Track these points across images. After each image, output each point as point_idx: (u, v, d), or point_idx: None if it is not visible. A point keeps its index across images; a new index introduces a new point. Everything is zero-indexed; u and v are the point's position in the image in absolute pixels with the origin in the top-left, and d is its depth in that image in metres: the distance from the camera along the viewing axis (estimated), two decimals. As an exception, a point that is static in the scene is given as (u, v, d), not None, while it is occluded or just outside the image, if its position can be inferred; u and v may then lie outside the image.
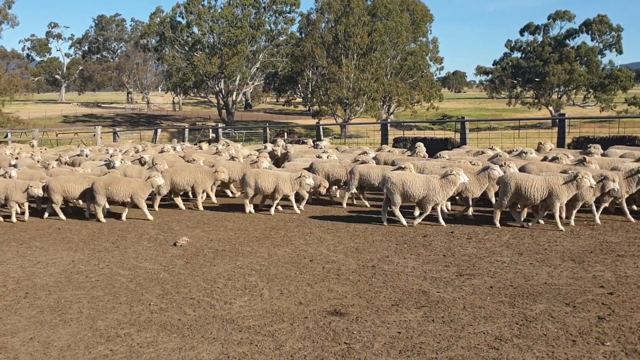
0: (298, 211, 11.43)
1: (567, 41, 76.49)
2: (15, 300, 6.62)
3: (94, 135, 28.05)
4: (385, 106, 65.26)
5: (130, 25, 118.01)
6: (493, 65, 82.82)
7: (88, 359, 5.06)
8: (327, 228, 9.96)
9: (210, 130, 36.99)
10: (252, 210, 11.63)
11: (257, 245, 8.85)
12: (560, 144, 17.59)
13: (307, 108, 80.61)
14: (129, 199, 11.02)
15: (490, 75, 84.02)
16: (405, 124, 34.56)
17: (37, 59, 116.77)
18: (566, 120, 19.02)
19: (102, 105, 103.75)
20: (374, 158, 13.63)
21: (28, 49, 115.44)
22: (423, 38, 68.62)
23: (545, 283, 6.63)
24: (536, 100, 74.63)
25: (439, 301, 6.13)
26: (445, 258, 7.83)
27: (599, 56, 74.10)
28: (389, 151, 15.08)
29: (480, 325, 5.47)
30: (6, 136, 29.02)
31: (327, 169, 12.33)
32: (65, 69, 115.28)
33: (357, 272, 7.31)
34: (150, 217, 11.11)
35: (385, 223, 10.02)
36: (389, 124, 23.40)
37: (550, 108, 72.41)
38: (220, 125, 31.62)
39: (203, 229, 10.18)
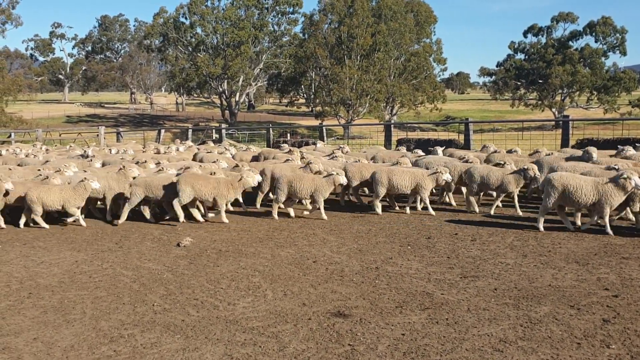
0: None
1: (571, 43, 76.39)
2: (18, 300, 6.62)
3: (97, 135, 28.09)
4: (388, 107, 65.21)
5: (134, 26, 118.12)
6: (496, 66, 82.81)
7: (91, 359, 5.05)
8: (331, 229, 9.95)
9: (214, 130, 37.00)
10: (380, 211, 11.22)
11: (260, 246, 8.84)
12: (564, 145, 17.55)
13: (310, 109, 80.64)
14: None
15: (493, 77, 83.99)
16: (408, 125, 34.53)
17: (41, 59, 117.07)
18: (570, 122, 18.98)
19: (105, 105, 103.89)
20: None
21: (31, 49, 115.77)
22: (427, 39, 68.59)
23: (549, 285, 6.61)
24: (539, 102, 74.52)
25: (443, 303, 6.11)
26: (449, 260, 7.81)
27: (603, 58, 73.94)
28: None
29: (485, 327, 5.45)
30: (9, 136, 29.09)
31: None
32: (68, 69, 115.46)
33: (360, 273, 7.29)
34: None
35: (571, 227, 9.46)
36: (392, 125, 23.38)
37: (554, 110, 72.31)
38: (223, 125, 31.62)
39: (206, 230, 10.17)
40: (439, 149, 14.48)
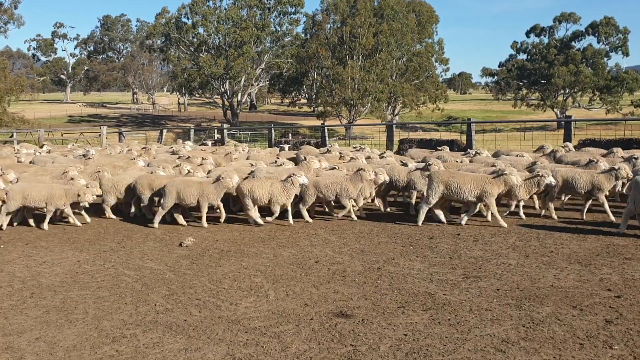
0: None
1: (573, 43, 76.31)
2: (21, 300, 6.63)
3: (100, 135, 28.11)
4: (390, 107, 65.20)
5: (136, 26, 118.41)
6: (499, 67, 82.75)
7: (94, 359, 5.06)
8: (332, 229, 9.95)
9: (216, 130, 37.03)
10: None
11: (262, 246, 8.85)
12: (566, 146, 17.49)
13: (312, 109, 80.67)
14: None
15: (495, 77, 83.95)
16: (410, 125, 34.53)
17: (43, 59, 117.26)
18: (572, 122, 18.96)
19: (108, 105, 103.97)
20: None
21: (34, 49, 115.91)
22: (429, 39, 68.53)
23: (551, 286, 6.60)
24: (541, 102, 74.46)
25: (446, 303, 6.10)
26: (451, 260, 7.80)
27: (605, 58, 73.84)
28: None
29: (487, 327, 5.44)
30: (11, 136, 29.09)
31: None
32: (70, 69, 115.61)
33: (362, 274, 7.29)
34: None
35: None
36: (394, 125, 23.37)
37: (556, 110, 72.23)
38: (225, 126, 31.64)
39: (208, 230, 10.17)
40: (485, 151, 13.93)
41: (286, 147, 19.57)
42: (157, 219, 10.53)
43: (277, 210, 10.28)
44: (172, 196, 10.29)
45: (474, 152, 14.02)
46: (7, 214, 10.40)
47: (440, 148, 15.35)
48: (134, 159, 14.03)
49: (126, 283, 7.15)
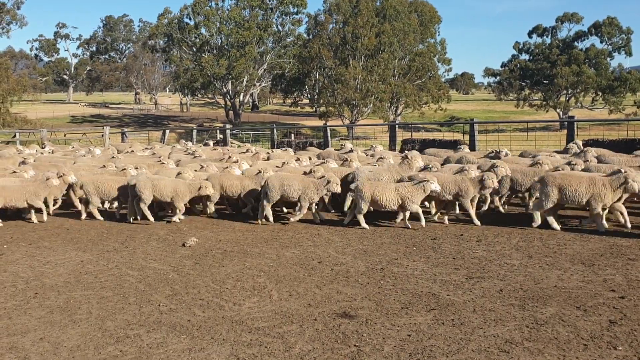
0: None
1: (576, 43, 76.25)
2: (24, 300, 6.64)
3: (102, 135, 28.15)
4: (392, 107, 65.22)
5: (138, 26, 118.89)
6: (501, 67, 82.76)
7: (98, 359, 5.06)
8: (335, 230, 9.94)
9: (218, 131, 37.06)
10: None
11: (265, 247, 8.85)
12: (569, 146, 17.47)
13: (314, 109, 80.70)
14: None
15: (498, 77, 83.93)
16: (412, 125, 34.50)
17: (45, 59, 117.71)
18: (575, 122, 18.93)
19: (110, 105, 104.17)
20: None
21: (36, 49, 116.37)
22: (431, 39, 68.58)
23: (555, 286, 6.59)
24: (544, 103, 74.40)
25: (449, 304, 6.10)
26: (454, 261, 7.80)
27: (608, 58, 73.79)
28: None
29: (491, 328, 5.44)
30: (14, 136, 29.15)
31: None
32: (73, 69, 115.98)
33: (366, 274, 7.29)
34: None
35: None
36: (397, 126, 23.35)
37: (558, 110, 72.21)
38: (227, 126, 31.67)
39: (211, 230, 10.18)
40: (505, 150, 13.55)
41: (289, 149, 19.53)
42: (262, 213, 10.63)
43: (411, 211, 9.78)
44: (276, 191, 10.36)
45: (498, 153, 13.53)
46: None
47: (460, 147, 15.29)
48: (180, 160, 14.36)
49: (130, 283, 7.16)
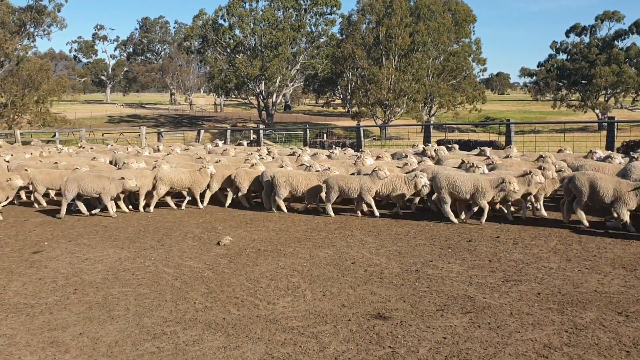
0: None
1: (616, 42, 74.34)
2: (64, 295, 6.79)
3: (139, 135, 28.64)
4: (426, 108, 64.69)
5: (174, 28, 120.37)
6: (538, 67, 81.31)
7: (135, 355, 5.15)
8: (369, 230, 9.91)
9: (251, 131, 37.34)
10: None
11: (298, 246, 8.87)
12: (609, 147, 17.07)
13: (347, 109, 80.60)
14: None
15: (534, 77, 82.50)
16: (446, 126, 34.15)
17: (84, 60, 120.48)
18: (615, 123, 18.47)
19: (146, 106, 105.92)
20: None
21: (75, 50, 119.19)
22: (466, 39, 67.78)
23: (595, 291, 6.43)
24: (582, 103, 72.75)
25: (485, 307, 6.01)
26: (491, 263, 7.68)
27: (650, 57, 71.74)
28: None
29: (528, 332, 5.34)
30: (54, 135, 29.88)
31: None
32: (110, 70, 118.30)
33: (400, 275, 7.24)
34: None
35: None
36: (431, 126, 23.14)
37: (597, 111, 70.47)
38: (261, 126, 31.89)
39: (245, 229, 10.26)
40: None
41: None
42: (329, 207, 11.36)
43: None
44: (335, 190, 11.17)
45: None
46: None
47: (509, 147, 15.08)
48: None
49: (166, 281, 7.26)
